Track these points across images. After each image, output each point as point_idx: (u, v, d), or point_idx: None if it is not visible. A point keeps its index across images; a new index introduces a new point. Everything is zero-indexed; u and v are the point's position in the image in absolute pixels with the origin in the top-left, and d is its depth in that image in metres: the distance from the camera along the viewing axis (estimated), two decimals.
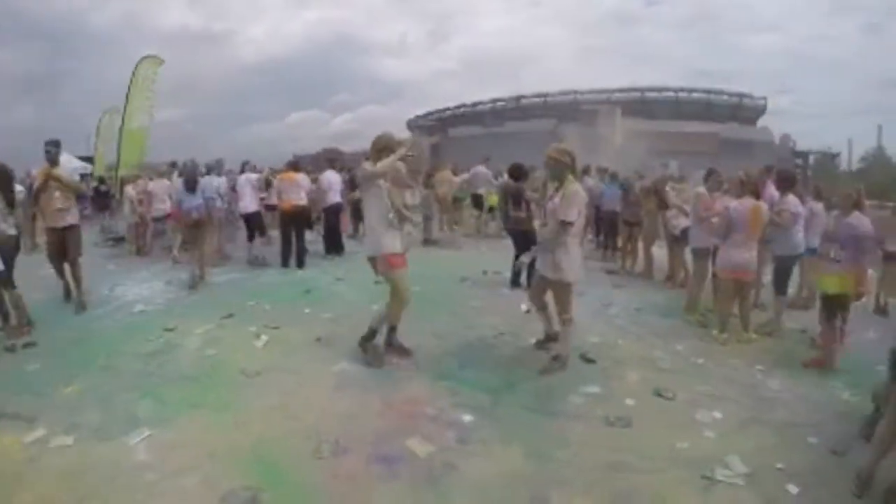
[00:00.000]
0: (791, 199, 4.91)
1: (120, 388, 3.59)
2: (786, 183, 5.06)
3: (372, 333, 4.09)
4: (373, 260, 3.97)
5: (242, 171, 8.64)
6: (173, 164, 10.04)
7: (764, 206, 4.67)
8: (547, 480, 2.67)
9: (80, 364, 4.00)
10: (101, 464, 2.73)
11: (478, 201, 11.41)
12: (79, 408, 3.32)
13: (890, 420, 2.61)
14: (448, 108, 51.99)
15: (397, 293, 3.96)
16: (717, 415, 3.34)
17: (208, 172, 8.66)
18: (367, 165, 3.80)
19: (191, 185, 6.75)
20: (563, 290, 3.92)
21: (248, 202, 8.12)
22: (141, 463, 2.76)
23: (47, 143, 5.20)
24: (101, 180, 13.00)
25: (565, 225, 3.73)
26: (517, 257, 6.35)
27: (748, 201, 4.59)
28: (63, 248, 5.37)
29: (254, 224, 8.17)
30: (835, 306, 4.12)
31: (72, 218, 5.39)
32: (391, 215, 3.84)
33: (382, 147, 3.84)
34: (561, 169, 3.83)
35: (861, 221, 4.04)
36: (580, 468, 2.78)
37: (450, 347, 4.41)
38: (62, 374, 3.80)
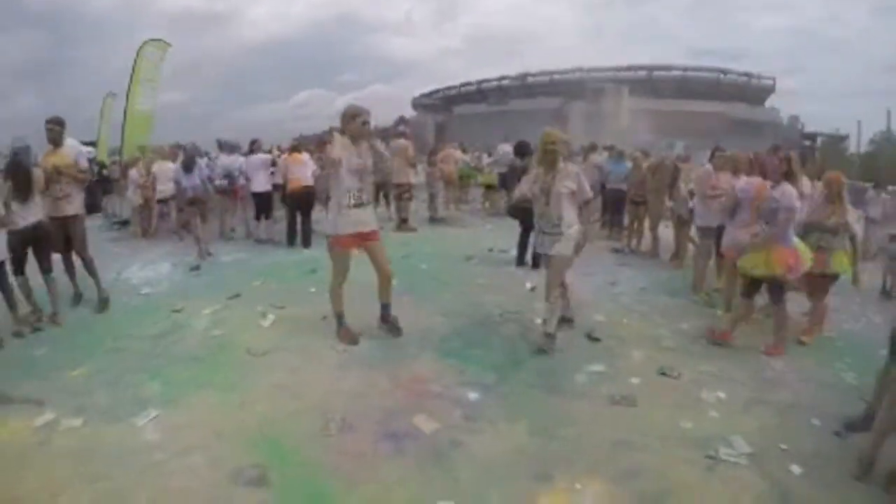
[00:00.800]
0: (802, 179, 4.83)
1: (127, 370, 3.61)
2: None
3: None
4: (327, 237, 4.07)
5: (251, 151, 8.59)
6: (179, 147, 9.98)
7: None
8: (551, 458, 2.69)
9: (88, 347, 4.02)
10: (110, 445, 2.76)
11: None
12: (87, 390, 3.34)
13: (891, 403, 2.60)
14: (453, 87, 51.53)
15: (333, 272, 4.06)
16: (722, 395, 3.34)
17: (230, 152, 8.61)
18: (333, 146, 3.82)
19: (188, 166, 6.92)
20: (559, 266, 3.95)
21: (260, 181, 8.12)
22: (149, 443, 2.79)
23: (48, 122, 4.70)
24: (104, 165, 12.98)
25: (589, 202, 4.07)
26: (523, 234, 6.35)
27: (755, 181, 4.52)
28: (66, 239, 4.84)
29: (264, 203, 8.20)
30: (752, 285, 4.07)
31: (72, 207, 4.81)
32: (350, 199, 3.88)
33: (351, 116, 3.89)
34: (554, 153, 3.92)
35: (785, 194, 3.81)
36: (585, 446, 2.79)
37: (456, 325, 4.41)
38: (70, 357, 3.83)
